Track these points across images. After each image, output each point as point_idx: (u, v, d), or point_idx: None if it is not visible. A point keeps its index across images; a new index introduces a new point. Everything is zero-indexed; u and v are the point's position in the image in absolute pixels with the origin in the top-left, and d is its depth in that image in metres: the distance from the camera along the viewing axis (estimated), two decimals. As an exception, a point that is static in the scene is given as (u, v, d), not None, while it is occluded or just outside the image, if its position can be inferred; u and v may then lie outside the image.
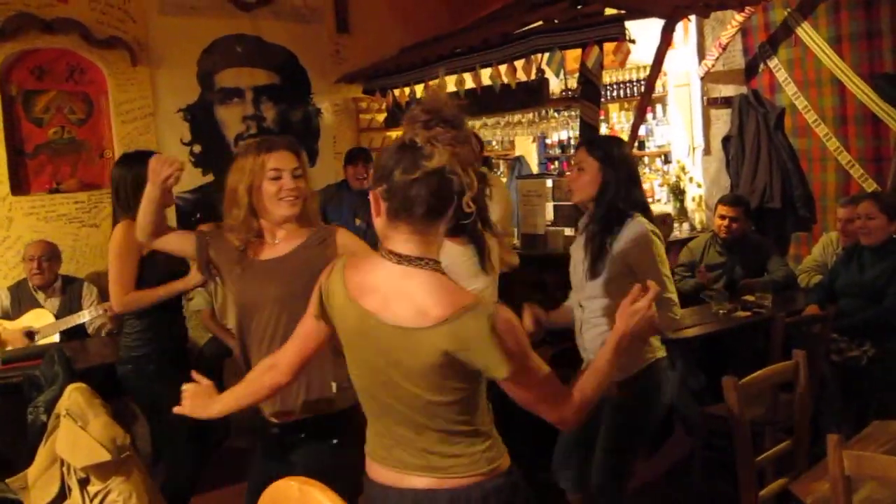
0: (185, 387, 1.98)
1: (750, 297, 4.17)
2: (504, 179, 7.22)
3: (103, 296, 4.48)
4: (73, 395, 2.37)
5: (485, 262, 2.61)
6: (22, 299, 4.32)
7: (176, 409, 1.95)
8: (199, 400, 1.97)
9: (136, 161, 3.01)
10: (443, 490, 1.60)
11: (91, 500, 2.32)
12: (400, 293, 1.58)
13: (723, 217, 4.53)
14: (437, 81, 4.12)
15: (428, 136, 1.55)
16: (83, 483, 2.36)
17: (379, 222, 1.63)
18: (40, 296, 4.33)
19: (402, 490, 1.63)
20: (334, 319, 1.71)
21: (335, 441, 2.17)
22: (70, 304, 4.36)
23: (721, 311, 4.05)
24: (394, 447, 1.65)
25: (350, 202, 5.03)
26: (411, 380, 1.56)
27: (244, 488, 2.28)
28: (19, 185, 4.86)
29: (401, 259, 1.59)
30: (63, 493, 2.44)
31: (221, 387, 2.09)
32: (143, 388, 2.98)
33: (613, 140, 3.00)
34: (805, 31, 5.00)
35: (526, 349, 1.57)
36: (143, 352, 2.94)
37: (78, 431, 2.27)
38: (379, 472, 1.69)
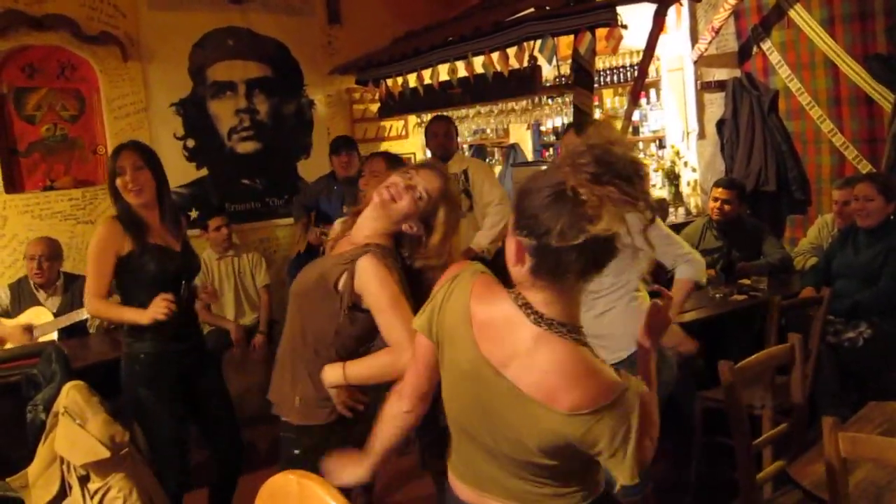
0: (329, 460, 1.86)
1: (746, 281, 4.19)
2: (499, 167, 7.22)
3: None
4: (71, 394, 2.37)
5: None
6: (22, 297, 4.31)
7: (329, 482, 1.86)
8: (348, 468, 1.83)
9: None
10: None
11: (91, 498, 2.33)
12: (530, 359, 1.38)
13: (716, 199, 4.56)
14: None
15: (599, 194, 1.26)
16: (83, 481, 2.36)
17: (518, 271, 1.40)
18: (41, 294, 4.32)
19: None
20: (441, 336, 1.53)
21: (297, 452, 2.13)
22: (72, 303, 4.34)
23: (717, 295, 4.06)
24: (483, 478, 1.54)
25: (339, 192, 5.08)
26: (521, 441, 1.41)
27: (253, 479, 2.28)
28: (13, 184, 4.84)
29: (540, 320, 1.39)
30: (64, 490, 2.45)
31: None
32: (128, 388, 2.88)
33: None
34: (798, 13, 4.99)
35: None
36: (130, 350, 2.86)
37: (77, 429, 2.28)
38: (464, 491, 1.58)
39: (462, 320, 1.47)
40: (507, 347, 1.41)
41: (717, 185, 4.66)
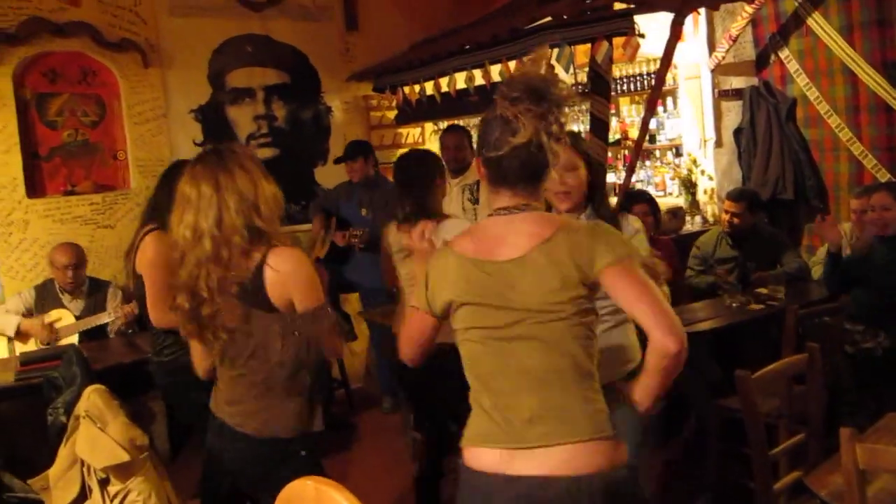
0: None
1: (763, 290, 4.17)
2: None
3: (127, 298, 4.52)
4: (92, 397, 2.40)
5: None
6: (46, 299, 4.37)
7: None
8: None
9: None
10: None
11: (111, 501, 2.36)
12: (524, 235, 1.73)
13: (727, 212, 4.55)
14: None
15: (515, 111, 1.65)
16: (103, 483, 2.39)
17: (485, 188, 1.83)
18: (65, 297, 4.38)
19: None
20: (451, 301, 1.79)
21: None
22: (94, 307, 4.40)
23: (734, 304, 4.05)
24: (526, 416, 1.72)
25: (357, 196, 5.13)
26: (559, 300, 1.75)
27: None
28: (34, 188, 4.90)
29: (508, 211, 1.76)
30: (84, 493, 2.48)
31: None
32: (192, 399, 2.76)
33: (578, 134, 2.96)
34: (816, 21, 4.97)
35: None
36: (184, 362, 2.84)
37: (97, 433, 2.31)
38: (494, 455, 1.72)
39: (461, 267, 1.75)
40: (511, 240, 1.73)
41: (727, 197, 4.67)
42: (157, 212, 2.89)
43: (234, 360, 2.17)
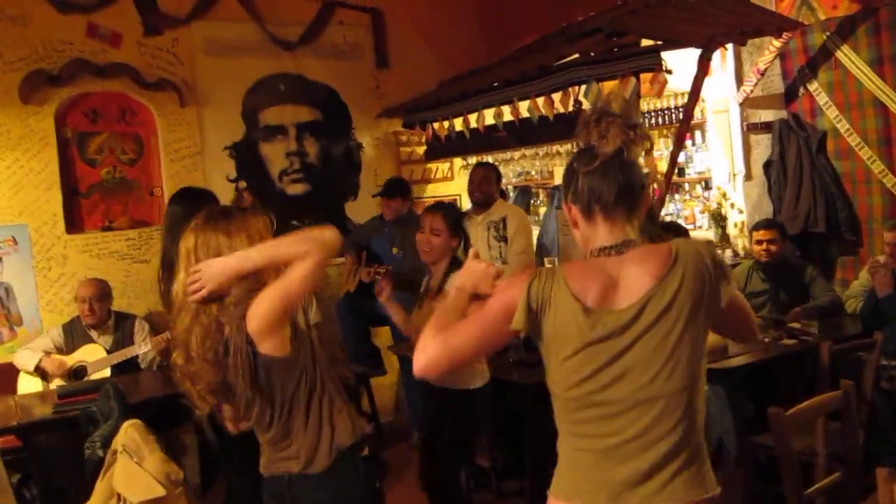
0: None
1: (795, 324, 4.12)
2: (543, 209, 7.26)
3: (155, 331, 4.61)
4: (129, 432, 2.44)
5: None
6: (75, 336, 4.45)
7: None
8: None
9: (196, 200, 3.00)
10: None
11: (147, 534, 2.39)
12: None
13: (759, 242, 4.53)
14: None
15: (600, 129, 1.62)
16: (139, 517, 2.42)
17: (578, 234, 1.70)
18: (93, 333, 4.46)
19: None
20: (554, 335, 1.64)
21: None
22: (122, 340, 4.48)
23: (766, 339, 4.01)
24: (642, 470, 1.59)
25: (389, 233, 5.18)
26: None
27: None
28: (74, 224, 5.03)
29: (617, 249, 1.63)
30: (120, 526, 2.51)
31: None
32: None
33: None
34: (845, 54, 4.97)
35: None
36: None
37: (134, 467, 2.35)
38: None
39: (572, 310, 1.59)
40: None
41: (756, 228, 4.66)
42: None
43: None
